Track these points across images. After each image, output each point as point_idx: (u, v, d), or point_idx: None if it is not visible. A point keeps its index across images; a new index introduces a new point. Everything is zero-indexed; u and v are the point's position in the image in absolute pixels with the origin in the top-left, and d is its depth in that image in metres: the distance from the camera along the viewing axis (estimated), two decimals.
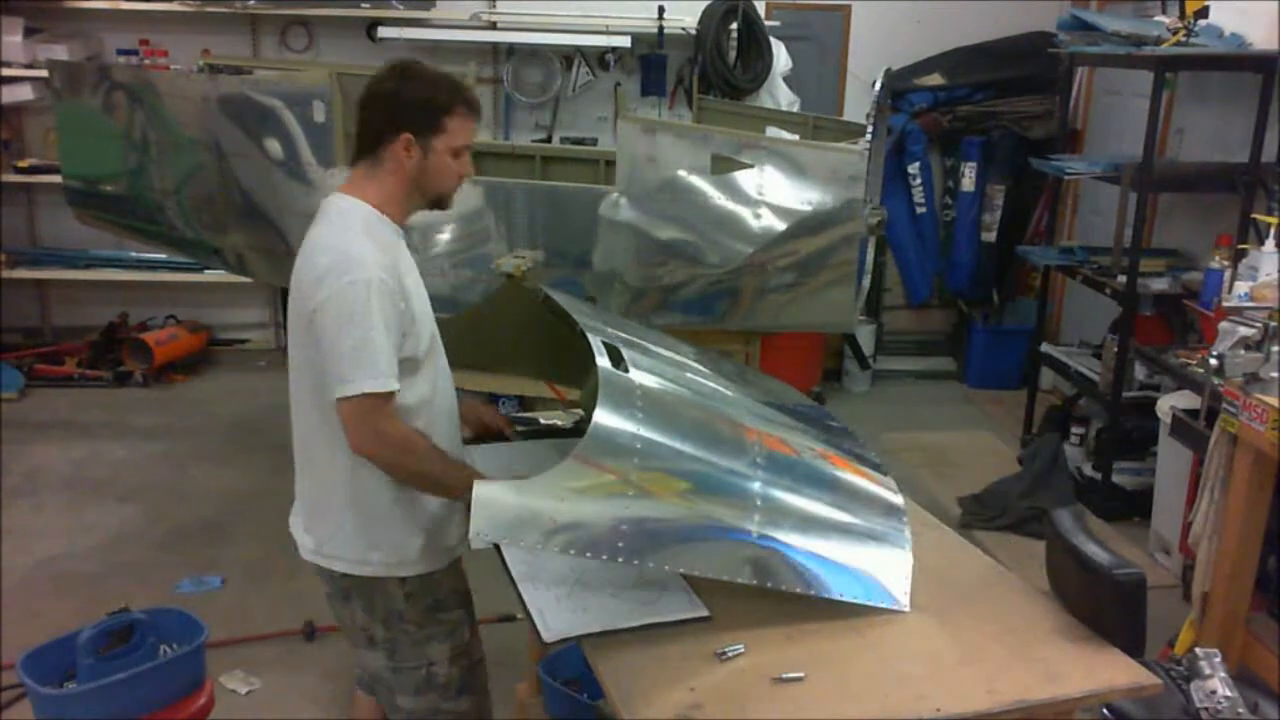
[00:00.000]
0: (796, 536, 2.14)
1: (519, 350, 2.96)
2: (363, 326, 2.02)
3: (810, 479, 2.27)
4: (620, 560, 2.00)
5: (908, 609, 2.16)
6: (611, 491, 2.01)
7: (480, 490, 1.98)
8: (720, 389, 2.45)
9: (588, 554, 1.98)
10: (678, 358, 2.51)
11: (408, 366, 2.14)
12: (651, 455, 2.05)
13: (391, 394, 2.07)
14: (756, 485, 2.14)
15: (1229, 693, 2.46)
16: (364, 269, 2.04)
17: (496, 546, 2.22)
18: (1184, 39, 4.52)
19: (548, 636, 2.02)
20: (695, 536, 2.08)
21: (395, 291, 2.08)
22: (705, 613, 2.10)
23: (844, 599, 2.13)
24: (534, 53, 6.43)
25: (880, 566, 2.21)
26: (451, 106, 2.15)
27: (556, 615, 2.07)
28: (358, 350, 2.02)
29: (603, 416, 2.03)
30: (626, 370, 2.16)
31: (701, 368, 2.54)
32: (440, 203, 2.26)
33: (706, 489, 2.11)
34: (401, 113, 2.13)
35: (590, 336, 2.21)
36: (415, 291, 2.20)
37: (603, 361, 2.14)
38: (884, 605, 2.15)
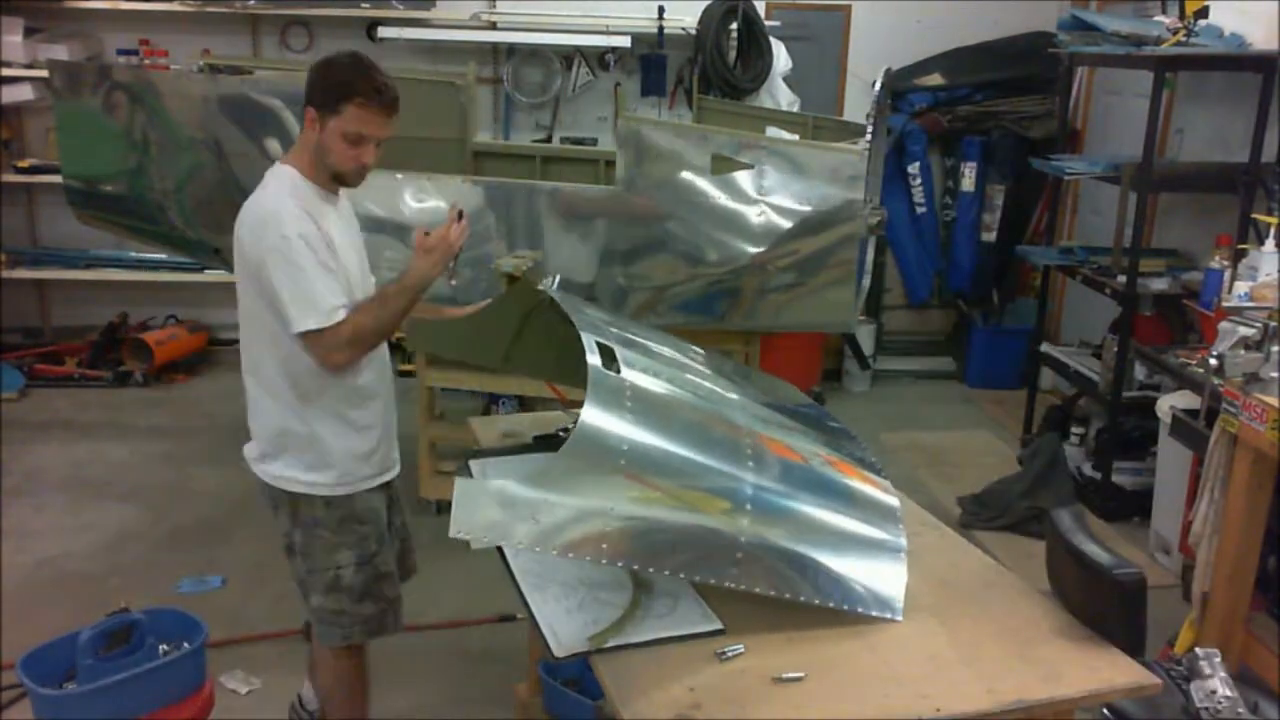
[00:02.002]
0: (788, 541, 2.11)
1: (519, 350, 2.95)
2: (296, 274, 2.36)
3: (805, 482, 2.25)
4: (604, 562, 1.96)
5: (900, 619, 2.13)
6: (597, 492, 1.96)
7: (462, 486, 1.94)
8: (719, 390, 2.43)
9: (570, 555, 1.93)
10: (678, 358, 2.49)
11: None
12: (640, 456, 2.01)
13: (335, 326, 2.39)
14: (749, 489, 2.10)
15: (1229, 693, 2.46)
16: (287, 224, 2.37)
17: (500, 549, 2.21)
18: (1184, 39, 4.52)
19: (559, 652, 1.99)
20: (683, 539, 2.04)
21: (318, 238, 2.40)
22: (719, 625, 2.07)
23: (832, 606, 2.11)
24: (534, 53, 6.43)
25: (874, 575, 2.19)
26: (352, 95, 2.39)
27: (567, 630, 2.05)
28: (295, 296, 2.37)
29: (590, 415, 1.99)
30: (619, 370, 2.13)
31: (702, 368, 2.52)
32: (341, 179, 2.51)
33: (696, 491, 2.07)
34: (311, 89, 2.44)
35: (584, 335, 2.18)
36: (343, 246, 2.50)
37: (593, 360, 2.09)
38: (875, 614, 2.13)
